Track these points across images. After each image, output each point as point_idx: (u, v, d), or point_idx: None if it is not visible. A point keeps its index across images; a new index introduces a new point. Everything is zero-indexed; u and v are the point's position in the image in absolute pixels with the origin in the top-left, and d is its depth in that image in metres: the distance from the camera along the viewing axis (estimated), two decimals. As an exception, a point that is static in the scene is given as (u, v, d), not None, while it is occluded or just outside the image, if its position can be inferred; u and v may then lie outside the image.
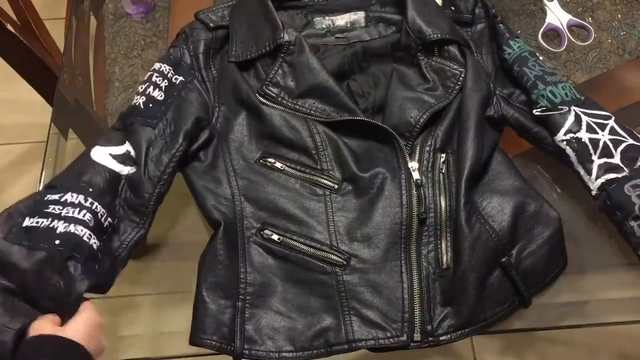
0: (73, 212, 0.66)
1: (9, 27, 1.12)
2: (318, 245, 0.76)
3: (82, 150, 0.79)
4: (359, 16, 0.91)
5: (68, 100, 0.98)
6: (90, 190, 0.70)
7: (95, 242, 0.66)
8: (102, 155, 0.76)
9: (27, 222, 0.65)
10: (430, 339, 0.72)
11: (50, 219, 0.65)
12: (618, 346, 1.35)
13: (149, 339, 0.80)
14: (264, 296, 0.74)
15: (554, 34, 1.00)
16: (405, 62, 0.86)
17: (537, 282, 0.77)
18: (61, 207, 0.66)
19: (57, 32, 1.36)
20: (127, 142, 0.78)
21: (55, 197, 0.68)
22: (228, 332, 0.72)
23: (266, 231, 0.76)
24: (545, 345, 1.38)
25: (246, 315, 0.73)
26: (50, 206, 0.66)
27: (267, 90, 0.83)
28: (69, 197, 0.68)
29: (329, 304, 0.73)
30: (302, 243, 0.76)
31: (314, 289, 0.74)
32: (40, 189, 0.75)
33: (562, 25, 0.99)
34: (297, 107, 0.82)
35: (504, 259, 0.75)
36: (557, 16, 1.00)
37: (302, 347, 0.71)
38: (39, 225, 0.64)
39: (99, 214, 0.69)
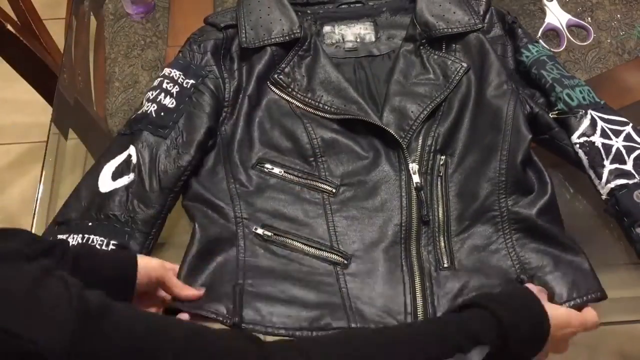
0: None
1: (9, 27, 1.12)
2: (318, 246, 0.76)
3: (82, 150, 0.79)
4: (368, 30, 0.92)
5: (68, 100, 0.98)
6: (90, 225, 0.74)
7: None
8: (106, 178, 0.77)
9: None
10: None
11: None
12: (618, 346, 1.35)
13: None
14: (267, 298, 0.73)
15: (553, 33, 1.00)
16: (410, 52, 0.86)
17: (558, 305, 0.71)
18: None
19: (57, 32, 1.36)
20: (131, 145, 0.78)
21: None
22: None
23: (266, 232, 0.76)
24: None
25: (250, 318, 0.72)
26: None
27: (279, 79, 0.84)
28: (71, 240, 0.73)
29: (331, 301, 0.73)
30: (303, 244, 0.76)
31: (316, 287, 0.74)
32: (50, 225, 0.77)
33: (562, 25, 0.99)
34: (307, 100, 0.83)
35: (522, 276, 0.74)
36: (556, 16, 1.00)
37: (300, 327, 0.70)
38: None
39: (96, 246, 0.72)
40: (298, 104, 0.83)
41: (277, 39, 0.85)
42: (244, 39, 0.85)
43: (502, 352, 0.58)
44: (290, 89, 0.84)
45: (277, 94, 0.84)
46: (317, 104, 0.82)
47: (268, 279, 0.74)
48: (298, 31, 0.85)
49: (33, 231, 0.83)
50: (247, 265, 0.75)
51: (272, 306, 0.71)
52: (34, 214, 0.85)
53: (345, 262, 0.75)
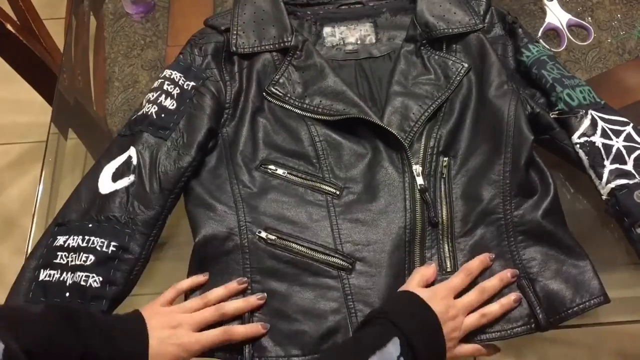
0: (76, 258, 0.72)
1: (9, 27, 1.12)
2: (322, 250, 0.75)
3: (82, 150, 0.78)
4: (369, 32, 0.91)
5: (68, 100, 0.98)
6: (90, 226, 0.74)
7: (96, 280, 0.72)
8: (107, 179, 0.77)
9: (42, 275, 0.72)
10: None
11: (59, 271, 0.72)
12: (618, 346, 1.35)
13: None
14: (270, 302, 0.73)
15: (553, 33, 1.00)
16: (411, 52, 0.87)
17: (561, 309, 0.71)
18: (67, 255, 0.73)
19: (57, 32, 1.36)
20: (132, 147, 0.78)
21: (61, 242, 0.74)
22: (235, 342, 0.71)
23: (270, 236, 0.76)
24: (545, 345, 1.38)
25: (253, 322, 0.72)
26: (58, 254, 0.73)
27: (274, 90, 0.84)
28: (71, 241, 0.73)
29: (335, 306, 0.72)
30: (307, 247, 0.75)
31: (321, 292, 0.73)
32: (50, 225, 0.77)
33: (562, 25, 0.99)
34: (305, 107, 0.83)
35: (523, 281, 0.73)
36: (556, 16, 1.00)
37: (310, 350, 0.70)
38: (51, 279, 0.72)
39: (97, 247, 0.73)
40: (296, 110, 0.83)
41: (266, 47, 0.85)
42: (234, 44, 0.85)
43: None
44: (287, 98, 0.83)
45: (274, 102, 0.84)
46: (315, 108, 0.82)
47: (273, 291, 0.73)
48: (289, 39, 0.85)
49: (32, 231, 0.83)
50: (251, 277, 0.74)
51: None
52: (34, 213, 0.85)
53: (350, 266, 0.74)
